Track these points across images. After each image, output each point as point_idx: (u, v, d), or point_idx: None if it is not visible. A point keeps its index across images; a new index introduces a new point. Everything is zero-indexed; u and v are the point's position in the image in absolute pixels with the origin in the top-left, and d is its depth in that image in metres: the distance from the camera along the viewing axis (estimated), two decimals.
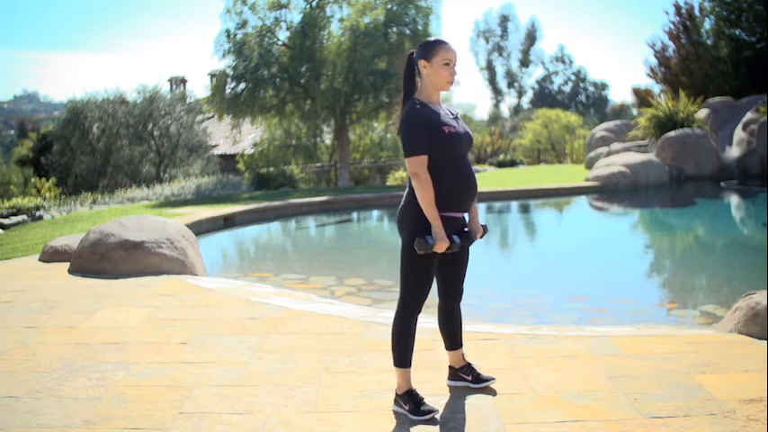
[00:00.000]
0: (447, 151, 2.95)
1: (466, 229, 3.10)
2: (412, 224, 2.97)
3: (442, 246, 2.88)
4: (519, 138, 37.60)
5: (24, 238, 8.95)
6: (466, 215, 3.16)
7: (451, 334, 3.32)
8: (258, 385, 3.41)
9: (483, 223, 3.25)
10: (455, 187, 2.98)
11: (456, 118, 3.09)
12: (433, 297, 3.29)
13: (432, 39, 3.09)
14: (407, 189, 3.04)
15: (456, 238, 2.96)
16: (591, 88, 63.37)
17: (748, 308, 4.07)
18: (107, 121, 22.09)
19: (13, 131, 56.92)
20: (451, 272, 3.20)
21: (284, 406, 3.15)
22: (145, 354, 3.93)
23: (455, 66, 3.01)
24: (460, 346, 3.34)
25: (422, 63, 3.02)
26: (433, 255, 2.95)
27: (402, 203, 3.06)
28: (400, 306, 3.06)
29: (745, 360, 3.60)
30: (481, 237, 3.22)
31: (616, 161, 16.06)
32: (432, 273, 3.04)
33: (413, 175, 2.90)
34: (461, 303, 3.31)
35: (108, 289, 5.64)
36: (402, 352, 3.06)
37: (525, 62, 62.88)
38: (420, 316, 3.11)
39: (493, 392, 3.25)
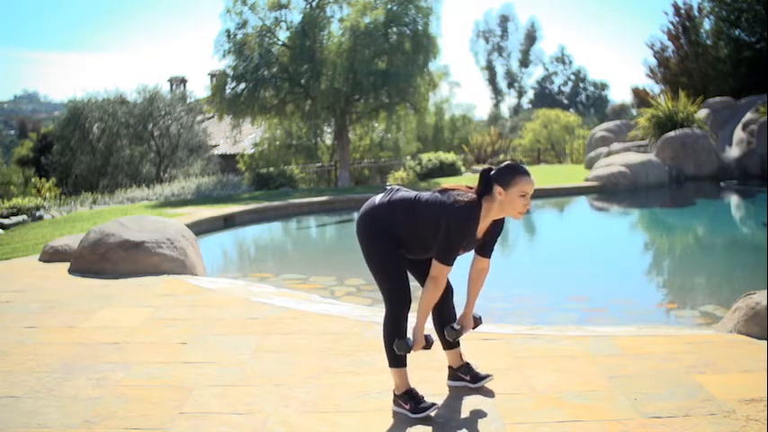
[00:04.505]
0: None
1: (455, 325, 3.21)
2: (377, 232, 3.03)
3: (418, 347, 3.02)
4: (519, 138, 37.57)
5: (24, 238, 8.95)
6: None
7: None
8: (258, 385, 3.41)
9: (477, 315, 3.31)
10: None
11: (488, 234, 3.10)
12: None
13: (512, 165, 2.96)
14: (383, 195, 3.08)
15: (430, 337, 3.08)
16: (591, 88, 63.26)
17: (748, 308, 4.07)
18: (107, 121, 22.07)
19: (13, 131, 56.92)
20: (425, 269, 3.12)
21: (284, 406, 3.15)
22: (145, 354, 3.93)
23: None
24: (457, 345, 3.34)
25: (497, 189, 2.91)
26: (397, 253, 3.03)
27: (370, 209, 3.08)
28: (387, 306, 3.08)
29: (745, 360, 3.60)
30: (474, 328, 3.31)
31: (616, 161, 16.05)
32: (401, 264, 3.07)
33: (434, 278, 2.95)
34: (454, 301, 3.32)
35: (108, 289, 5.64)
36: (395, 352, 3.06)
37: (525, 62, 62.80)
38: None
39: (493, 392, 3.25)
